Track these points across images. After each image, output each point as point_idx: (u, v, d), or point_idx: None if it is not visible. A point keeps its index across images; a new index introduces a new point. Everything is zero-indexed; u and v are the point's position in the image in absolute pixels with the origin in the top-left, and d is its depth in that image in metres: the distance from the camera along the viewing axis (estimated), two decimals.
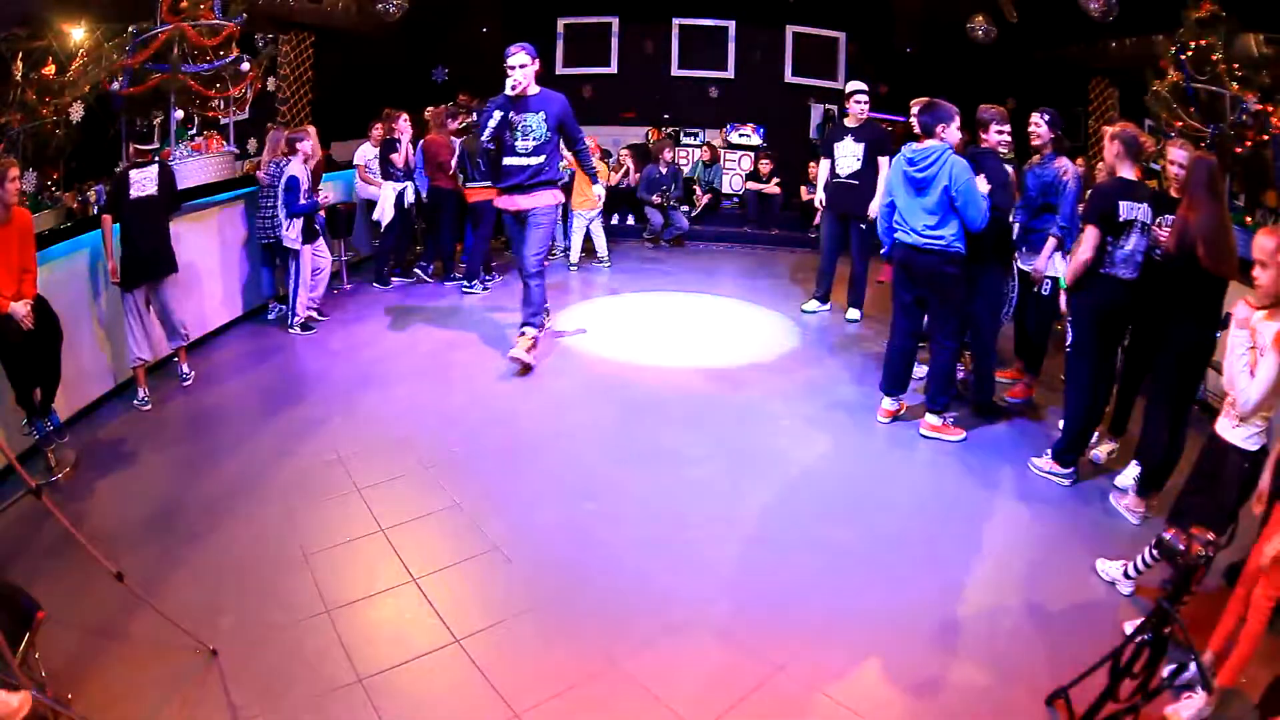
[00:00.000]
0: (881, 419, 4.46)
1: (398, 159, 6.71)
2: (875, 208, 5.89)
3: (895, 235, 4.27)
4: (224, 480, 3.67)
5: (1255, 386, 2.51)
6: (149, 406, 4.43)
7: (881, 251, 4.63)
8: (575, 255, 7.77)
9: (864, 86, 6.21)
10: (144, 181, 4.34)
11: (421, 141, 6.88)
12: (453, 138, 6.80)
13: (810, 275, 7.07)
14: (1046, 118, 4.41)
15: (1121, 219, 3.47)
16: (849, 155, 6.08)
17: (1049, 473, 3.86)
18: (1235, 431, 2.63)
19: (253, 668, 2.51)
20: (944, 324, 4.25)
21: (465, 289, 6.87)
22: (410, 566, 3.04)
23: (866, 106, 6.11)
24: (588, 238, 7.79)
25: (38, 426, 3.73)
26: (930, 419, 4.29)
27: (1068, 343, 3.88)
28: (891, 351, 4.44)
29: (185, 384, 4.77)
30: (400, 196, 6.79)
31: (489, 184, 6.10)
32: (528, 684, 2.47)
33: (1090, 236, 3.52)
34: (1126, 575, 2.98)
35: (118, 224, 4.29)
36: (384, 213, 6.76)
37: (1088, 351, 3.73)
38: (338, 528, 3.31)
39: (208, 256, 5.61)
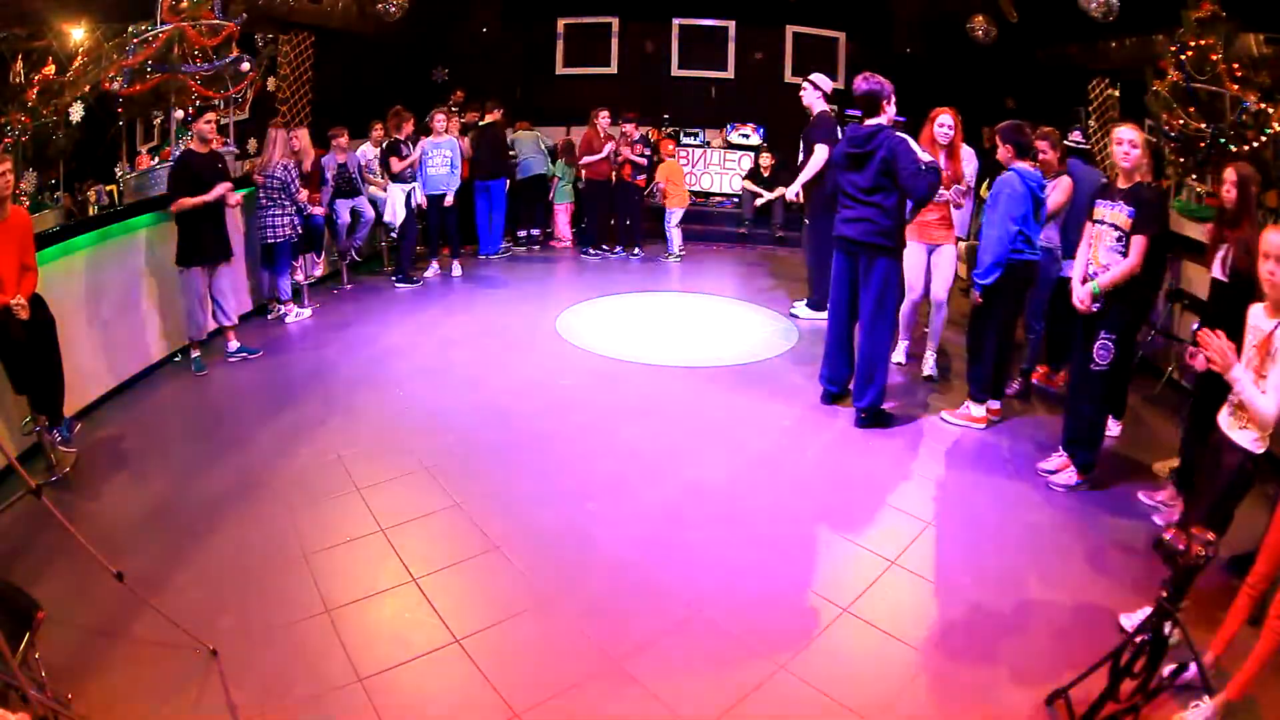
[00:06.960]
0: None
1: (398, 161, 6.80)
2: (793, 191, 6.01)
3: (1023, 257, 4.07)
4: (224, 480, 3.67)
5: (1271, 398, 2.33)
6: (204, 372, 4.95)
7: (987, 280, 4.05)
8: (677, 247, 8.38)
9: (813, 75, 5.96)
10: None
11: (582, 134, 8.06)
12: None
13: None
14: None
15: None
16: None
17: (1074, 485, 3.73)
18: (1241, 432, 2.52)
19: (253, 668, 2.51)
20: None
21: (630, 255, 8.30)
22: (410, 566, 3.04)
23: (809, 95, 5.90)
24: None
25: (50, 430, 3.70)
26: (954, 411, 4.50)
27: (1099, 361, 3.54)
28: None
29: (231, 360, 5.11)
30: (409, 197, 6.89)
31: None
32: (528, 684, 2.47)
33: (1144, 247, 3.41)
34: None
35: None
36: (395, 214, 6.87)
37: (1119, 365, 3.64)
38: (338, 528, 3.31)
39: None
